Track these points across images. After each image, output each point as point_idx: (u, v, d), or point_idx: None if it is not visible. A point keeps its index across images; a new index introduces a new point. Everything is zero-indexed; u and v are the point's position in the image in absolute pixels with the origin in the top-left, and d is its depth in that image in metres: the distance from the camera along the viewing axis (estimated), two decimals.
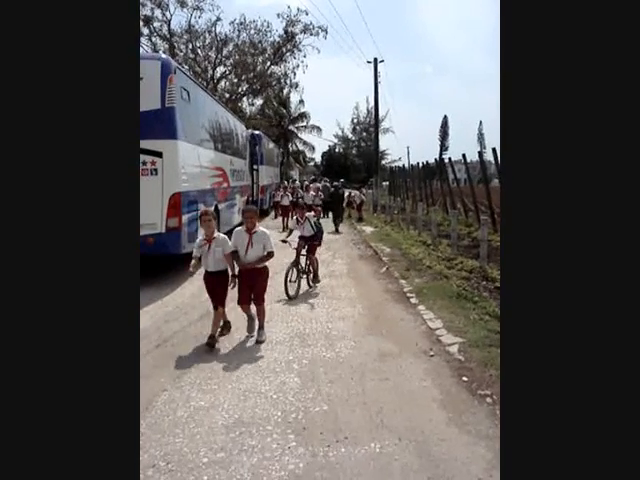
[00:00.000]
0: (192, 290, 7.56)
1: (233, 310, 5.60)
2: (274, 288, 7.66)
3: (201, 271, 5.29)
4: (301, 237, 7.70)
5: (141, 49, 25.08)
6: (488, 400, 3.74)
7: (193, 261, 5.10)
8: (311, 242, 7.69)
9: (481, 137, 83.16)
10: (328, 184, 21.09)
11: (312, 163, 55.35)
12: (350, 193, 21.12)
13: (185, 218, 8.28)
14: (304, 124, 45.17)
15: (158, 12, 28.73)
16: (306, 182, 24.47)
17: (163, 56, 8.94)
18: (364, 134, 53.67)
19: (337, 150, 54.63)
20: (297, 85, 32.92)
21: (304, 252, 7.71)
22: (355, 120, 55.03)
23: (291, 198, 17.31)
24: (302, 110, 44.26)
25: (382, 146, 49.43)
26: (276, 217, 19.92)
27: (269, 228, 6.08)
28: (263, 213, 20.51)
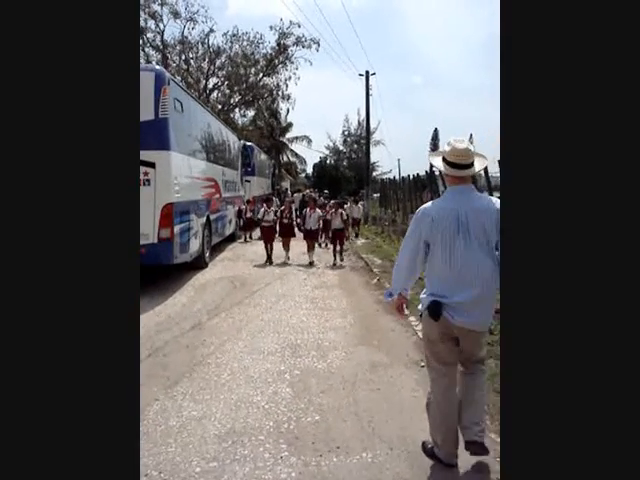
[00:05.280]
0: (183, 300, 7.56)
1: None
2: (266, 299, 7.69)
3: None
4: None
5: None
6: None
7: None
8: None
9: None
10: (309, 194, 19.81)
11: (303, 174, 55.39)
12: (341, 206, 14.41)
13: (177, 229, 8.30)
14: (294, 135, 45.39)
15: (151, 23, 28.83)
16: (301, 193, 21.94)
17: (157, 67, 8.99)
18: (355, 146, 53.78)
19: (328, 162, 54.75)
20: (289, 97, 33.08)
21: None
22: (346, 132, 55.21)
23: (274, 217, 11.99)
24: (289, 120, 44.42)
25: (373, 158, 49.57)
26: (246, 240, 15.83)
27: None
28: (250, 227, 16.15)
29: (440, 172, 3.07)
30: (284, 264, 11.28)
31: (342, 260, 11.60)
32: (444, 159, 2.94)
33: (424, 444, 3.10)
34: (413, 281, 3.11)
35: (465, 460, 3.07)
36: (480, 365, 3.08)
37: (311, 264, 11.23)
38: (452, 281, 2.85)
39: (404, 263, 3.03)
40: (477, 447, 2.87)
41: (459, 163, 2.87)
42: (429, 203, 3.07)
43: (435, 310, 2.85)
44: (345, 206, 14.87)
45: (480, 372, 3.08)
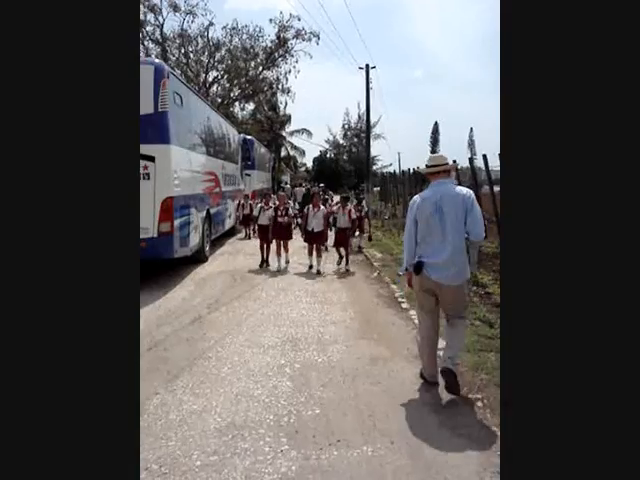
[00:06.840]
0: (183, 294, 7.57)
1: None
2: (266, 292, 7.70)
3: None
4: None
5: None
6: (479, 404, 3.78)
7: None
8: None
9: (472, 144, 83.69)
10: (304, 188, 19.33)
11: (303, 168, 55.31)
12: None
13: (177, 223, 8.30)
14: (294, 128, 45.30)
15: (151, 16, 28.67)
16: (303, 187, 20.96)
17: (156, 61, 8.97)
18: (355, 139, 53.70)
19: (328, 155, 54.67)
20: (289, 90, 32.95)
21: None
22: (346, 126, 55.08)
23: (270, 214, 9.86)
24: (289, 113, 44.23)
25: (373, 152, 49.58)
26: (247, 236, 15.23)
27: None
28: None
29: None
30: (282, 271, 9.64)
31: (347, 265, 9.80)
32: (425, 166, 4.20)
33: (421, 371, 4.25)
34: (414, 251, 4.07)
35: (466, 457, 3.08)
36: (460, 320, 4.10)
37: (317, 271, 9.46)
38: (429, 247, 3.94)
39: (406, 241, 4.15)
40: (448, 373, 3.89)
41: (432, 164, 4.11)
42: (418, 194, 4.19)
43: (417, 267, 3.99)
44: (363, 202, 12.86)
45: (460, 324, 4.09)
